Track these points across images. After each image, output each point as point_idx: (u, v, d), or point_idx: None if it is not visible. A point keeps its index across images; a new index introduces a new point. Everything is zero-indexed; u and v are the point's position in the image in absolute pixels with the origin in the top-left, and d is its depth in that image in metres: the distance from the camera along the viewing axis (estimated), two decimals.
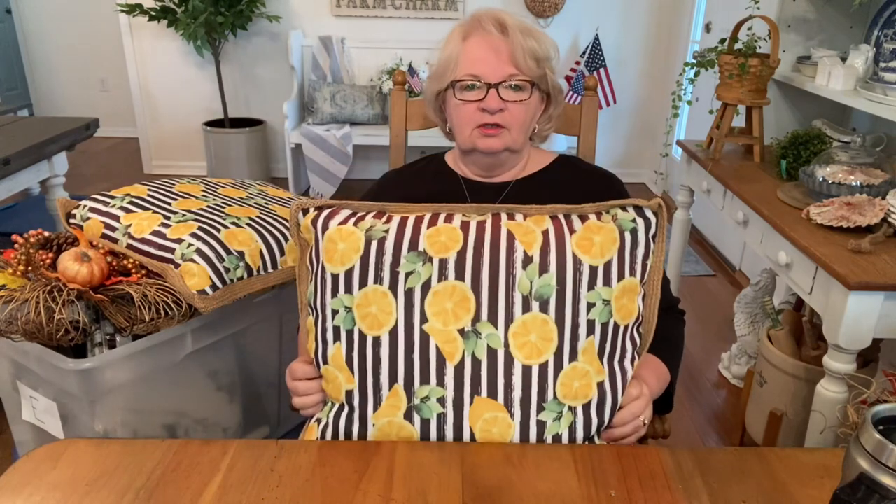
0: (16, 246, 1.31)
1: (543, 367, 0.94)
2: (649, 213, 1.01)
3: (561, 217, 1.00)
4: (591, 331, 0.97)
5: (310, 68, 4.31)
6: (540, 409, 0.94)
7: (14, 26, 5.56)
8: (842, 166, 1.76)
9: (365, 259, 0.97)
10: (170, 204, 1.47)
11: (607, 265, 0.97)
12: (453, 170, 1.26)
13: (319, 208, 1.05)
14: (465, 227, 0.99)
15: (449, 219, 1.00)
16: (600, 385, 0.97)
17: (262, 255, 1.43)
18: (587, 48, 4.20)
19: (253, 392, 1.62)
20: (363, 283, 0.97)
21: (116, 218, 1.42)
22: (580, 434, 0.96)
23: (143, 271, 1.38)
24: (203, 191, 1.59)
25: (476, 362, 0.94)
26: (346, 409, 0.99)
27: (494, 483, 0.86)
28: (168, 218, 1.41)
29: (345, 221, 1.02)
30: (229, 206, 1.53)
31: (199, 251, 1.34)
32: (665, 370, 1.12)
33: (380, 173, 1.32)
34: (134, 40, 4.43)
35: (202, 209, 1.48)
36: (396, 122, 1.47)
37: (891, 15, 2.02)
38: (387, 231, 0.98)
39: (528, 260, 0.95)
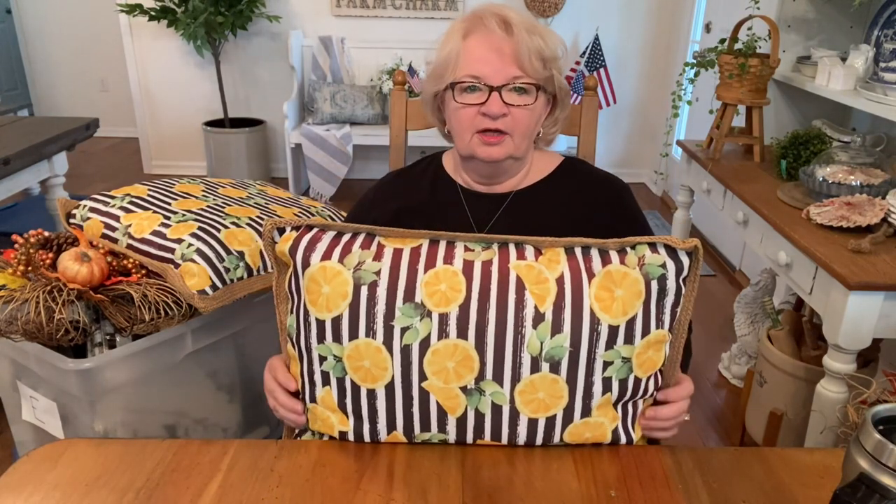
0: (16, 246, 1.31)
1: (551, 420, 0.90)
2: (683, 256, 0.89)
3: (578, 255, 0.89)
4: (607, 388, 0.89)
5: (310, 68, 4.31)
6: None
7: (14, 26, 5.56)
8: (842, 166, 1.76)
9: (354, 307, 0.87)
10: (170, 204, 1.47)
11: (630, 322, 0.87)
12: (452, 178, 1.20)
13: (297, 229, 0.93)
14: (467, 270, 0.88)
15: (449, 256, 0.89)
16: (615, 431, 0.93)
17: (262, 254, 1.43)
18: (587, 48, 4.20)
19: (253, 392, 1.61)
20: (353, 335, 0.88)
21: (116, 218, 1.42)
22: None
23: (143, 271, 1.38)
24: (203, 191, 1.59)
25: (479, 415, 0.89)
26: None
27: (494, 483, 0.86)
28: (168, 218, 1.41)
29: (328, 254, 0.90)
30: (229, 206, 1.53)
31: (199, 251, 1.34)
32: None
33: (380, 173, 1.31)
34: (134, 40, 4.43)
35: (202, 209, 1.47)
36: (396, 122, 1.46)
37: (891, 15, 2.02)
38: (378, 273, 0.87)
39: (539, 318, 0.86)
